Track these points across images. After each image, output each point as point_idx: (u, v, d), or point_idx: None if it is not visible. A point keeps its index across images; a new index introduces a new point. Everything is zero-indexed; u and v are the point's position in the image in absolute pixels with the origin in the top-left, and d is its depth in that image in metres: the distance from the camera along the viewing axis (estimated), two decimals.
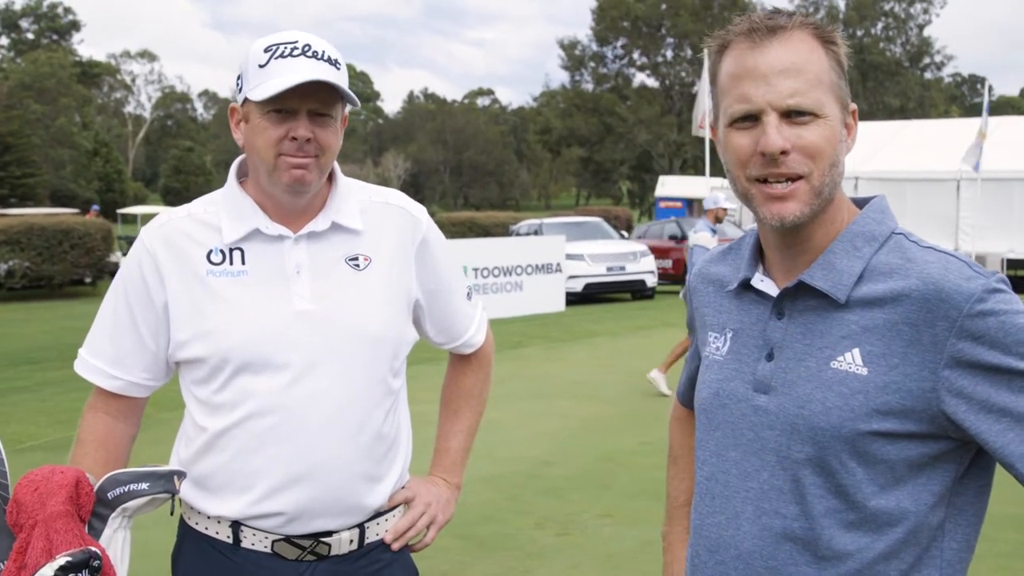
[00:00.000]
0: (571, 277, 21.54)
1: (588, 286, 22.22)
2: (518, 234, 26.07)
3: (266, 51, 2.17)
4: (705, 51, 1.81)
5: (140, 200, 75.56)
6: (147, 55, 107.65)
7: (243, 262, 2.23)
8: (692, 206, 42.81)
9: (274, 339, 2.18)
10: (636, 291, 23.14)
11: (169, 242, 2.26)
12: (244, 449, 2.19)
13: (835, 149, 1.65)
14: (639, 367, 12.59)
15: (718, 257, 1.94)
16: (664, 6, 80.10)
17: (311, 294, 2.23)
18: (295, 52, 2.16)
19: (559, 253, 20.73)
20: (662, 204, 45.02)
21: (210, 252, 2.24)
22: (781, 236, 1.73)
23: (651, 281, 23.12)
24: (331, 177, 2.33)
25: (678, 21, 79.11)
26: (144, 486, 1.99)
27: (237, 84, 2.24)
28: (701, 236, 11.66)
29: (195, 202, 2.36)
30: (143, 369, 2.31)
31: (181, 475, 2.05)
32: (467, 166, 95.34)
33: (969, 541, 1.68)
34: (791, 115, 1.63)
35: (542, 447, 8.38)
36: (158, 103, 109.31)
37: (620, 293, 23.20)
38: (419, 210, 2.43)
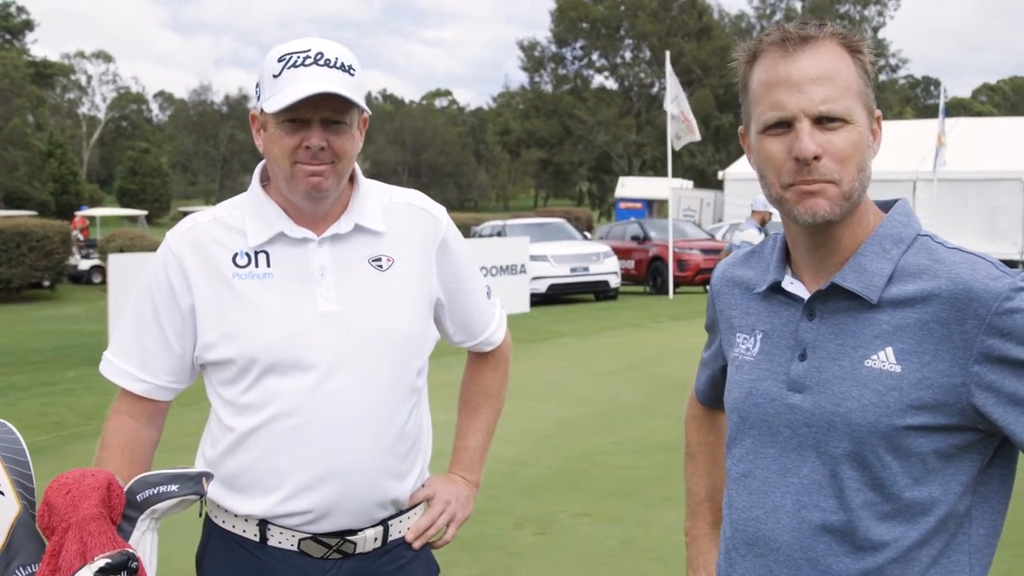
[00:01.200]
0: (535, 278, 21.57)
1: (552, 287, 22.29)
2: (481, 235, 26.07)
3: (279, 61, 2.20)
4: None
5: (96, 202, 74.64)
6: (102, 55, 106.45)
7: (268, 264, 2.27)
8: (652, 207, 43.03)
9: (301, 340, 2.22)
10: (600, 292, 23.23)
11: (195, 246, 2.29)
12: (272, 448, 2.23)
13: (863, 154, 1.72)
14: (607, 367, 12.69)
15: (741, 261, 2.00)
16: (623, 7, 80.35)
17: (335, 295, 2.27)
18: (307, 61, 2.18)
19: (523, 254, 20.75)
20: (622, 205, 45.16)
21: (235, 255, 2.28)
22: (810, 237, 1.79)
23: (614, 282, 23.23)
24: (352, 179, 2.36)
25: (636, 22, 79.37)
26: (174, 488, 2.01)
27: (256, 92, 2.28)
28: (748, 233, 11.94)
29: (219, 206, 2.39)
30: (168, 372, 2.33)
31: (209, 476, 2.08)
32: (425, 167, 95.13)
33: (996, 527, 1.76)
34: (822, 121, 1.69)
35: (516, 447, 8.41)
36: (113, 104, 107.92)
37: (584, 294, 23.28)
38: (439, 211, 2.48)
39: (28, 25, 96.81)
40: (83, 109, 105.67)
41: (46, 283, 29.45)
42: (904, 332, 1.69)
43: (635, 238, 26.27)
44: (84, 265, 34.40)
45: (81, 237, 37.25)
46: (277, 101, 2.16)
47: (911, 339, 1.68)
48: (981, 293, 1.64)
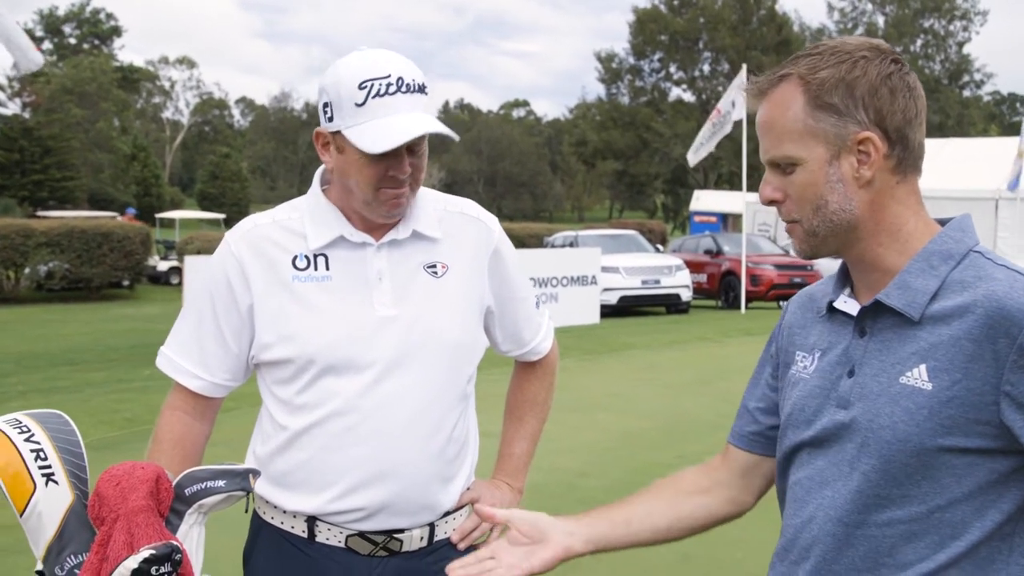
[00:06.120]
0: (606, 290, 21.50)
1: (623, 299, 22.19)
2: (553, 246, 26.07)
3: (361, 87, 2.17)
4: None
5: (176, 205, 76.10)
6: (186, 61, 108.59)
7: (327, 268, 2.31)
8: (727, 220, 42.71)
9: (358, 342, 2.26)
10: (671, 305, 23.06)
11: (255, 248, 2.33)
12: (324, 448, 2.27)
13: (818, 192, 1.74)
14: (674, 381, 12.59)
15: (823, 282, 1.98)
16: (702, 20, 79.95)
17: (392, 300, 2.31)
18: (391, 88, 2.18)
19: (594, 265, 20.70)
20: (697, 218, 44.91)
21: (295, 258, 2.32)
22: (847, 261, 1.82)
23: (686, 295, 23.06)
24: None
25: (716, 36, 78.91)
26: (221, 483, 2.03)
27: (324, 111, 2.25)
28: None
29: (278, 208, 2.43)
30: (225, 370, 2.39)
31: (256, 473, 2.10)
32: (501, 177, 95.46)
33: None
34: (782, 166, 1.76)
35: (579, 459, 8.39)
36: (196, 109, 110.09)
37: (655, 307, 23.13)
38: (492, 220, 2.52)
39: (116, 31, 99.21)
40: (167, 114, 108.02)
41: (125, 283, 30.10)
42: (938, 349, 1.66)
43: (708, 252, 26.04)
44: (163, 266, 35.12)
45: None
46: (372, 141, 2.15)
47: (944, 356, 1.65)
48: (1014, 312, 1.60)
